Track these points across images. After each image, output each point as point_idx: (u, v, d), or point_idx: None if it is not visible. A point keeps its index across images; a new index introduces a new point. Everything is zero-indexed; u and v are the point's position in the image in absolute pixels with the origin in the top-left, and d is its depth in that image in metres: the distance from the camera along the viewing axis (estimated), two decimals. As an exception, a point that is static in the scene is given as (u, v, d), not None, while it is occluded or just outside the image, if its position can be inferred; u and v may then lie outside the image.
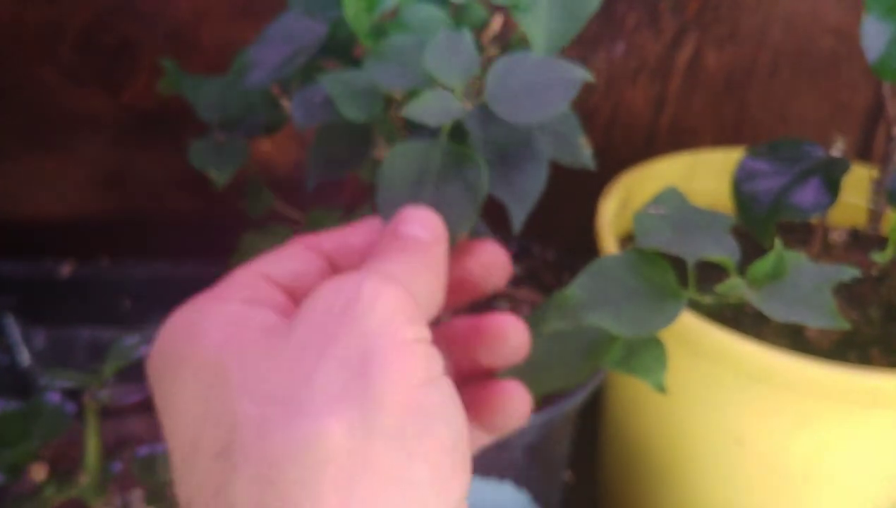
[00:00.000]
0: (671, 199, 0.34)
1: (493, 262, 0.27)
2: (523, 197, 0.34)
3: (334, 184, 0.43)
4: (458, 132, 0.29)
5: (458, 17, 0.40)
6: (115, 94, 0.60)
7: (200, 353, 0.21)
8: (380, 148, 0.39)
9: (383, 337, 0.20)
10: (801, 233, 0.49)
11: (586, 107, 0.62)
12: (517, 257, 0.53)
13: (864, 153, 0.63)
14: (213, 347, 0.21)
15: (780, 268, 0.28)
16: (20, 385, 0.58)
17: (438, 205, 0.26)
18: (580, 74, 0.27)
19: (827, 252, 0.43)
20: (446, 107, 0.27)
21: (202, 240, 0.68)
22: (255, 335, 0.21)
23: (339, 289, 0.21)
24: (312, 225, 0.45)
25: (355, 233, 0.26)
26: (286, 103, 0.41)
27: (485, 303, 0.53)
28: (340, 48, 0.38)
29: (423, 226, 0.24)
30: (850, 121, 0.63)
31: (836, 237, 0.44)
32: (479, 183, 0.26)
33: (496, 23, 0.40)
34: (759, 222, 0.36)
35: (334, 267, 0.25)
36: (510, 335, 0.26)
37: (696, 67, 0.61)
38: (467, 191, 0.26)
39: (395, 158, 0.27)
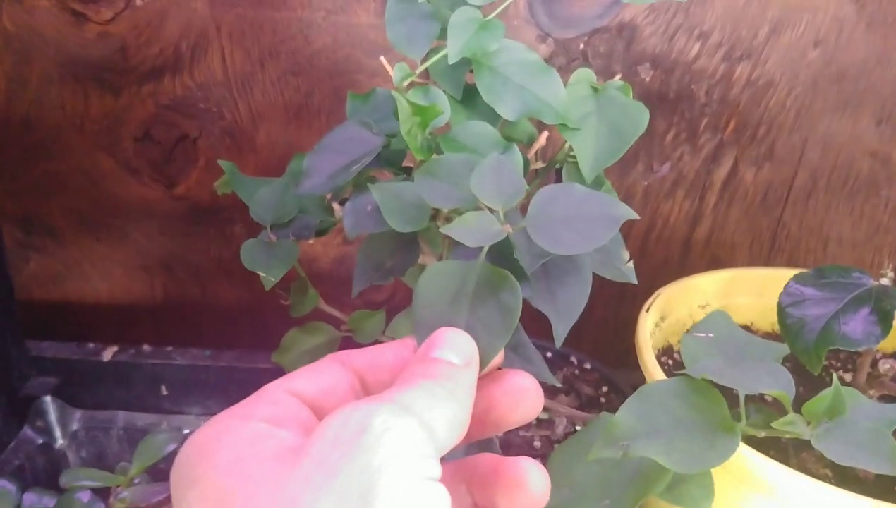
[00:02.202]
0: (719, 324, 0.34)
1: (522, 394, 0.26)
2: (566, 311, 0.34)
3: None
4: (500, 248, 0.29)
5: (508, 133, 0.41)
6: (170, 185, 0.62)
7: (210, 476, 0.20)
8: (425, 255, 0.39)
9: (387, 474, 0.19)
10: (846, 355, 0.48)
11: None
12: (554, 365, 0.53)
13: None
14: (223, 470, 0.20)
15: (839, 406, 0.27)
16: (53, 466, 0.58)
17: (472, 327, 0.25)
18: (624, 212, 0.27)
19: (876, 380, 0.42)
20: (487, 229, 0.27)
21: (243, 331, 0.69)
22: (266, 460, 0.21)
23: (347, 419, 0.20)
24: (355, 325, 0.46)
25: (389, 351, 0.26)
26: (337, 208, 0.42)
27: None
28: (393, 159, 0.39)
29: (455, 350, 0.24)
30: (891, 242, 0.63)
31: (889, 368, 0.43)
32: (513, 305, 0.25)
33: (542, 138, 0.42)
34: (808, 350, 0.36)
35: (364, 383, 0.25)
36: (531, 483, 0.25)
37: (732, 184, 0.62)
38: (502, 313, 0.25)
39: (432, 277, 0.26)
